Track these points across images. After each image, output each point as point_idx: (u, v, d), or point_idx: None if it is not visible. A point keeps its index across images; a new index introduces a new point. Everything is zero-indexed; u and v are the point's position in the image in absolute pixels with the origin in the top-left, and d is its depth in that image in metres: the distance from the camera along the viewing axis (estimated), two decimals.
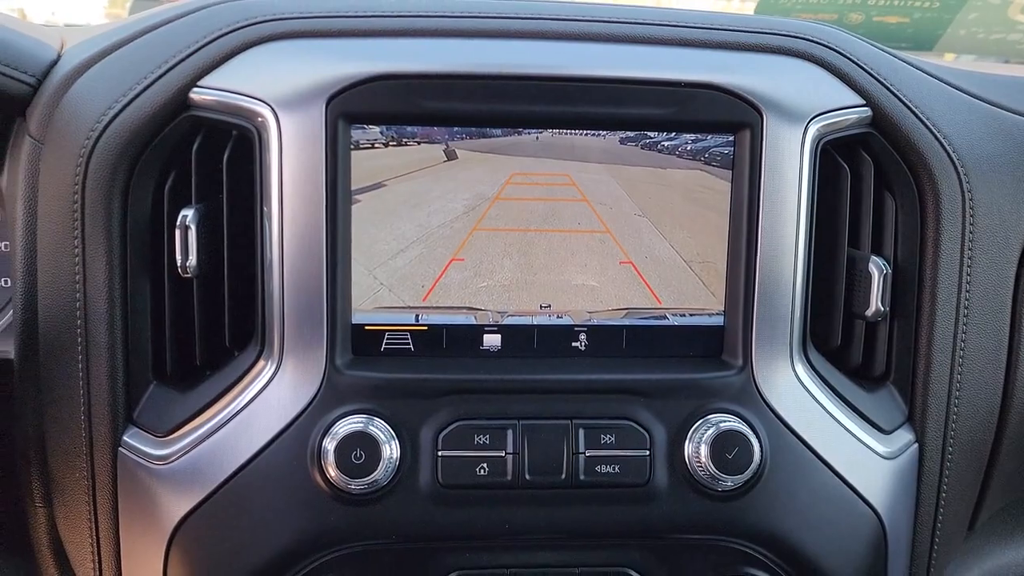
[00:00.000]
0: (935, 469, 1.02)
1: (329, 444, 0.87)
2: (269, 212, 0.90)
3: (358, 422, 0.88)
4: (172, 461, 0.91)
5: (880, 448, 0.98)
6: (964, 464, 1.04)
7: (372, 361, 0.92)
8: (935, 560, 1.06)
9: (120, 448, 0.93)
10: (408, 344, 0.94)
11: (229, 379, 0.92)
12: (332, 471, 0.87)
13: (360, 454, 0.86)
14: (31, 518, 1.02)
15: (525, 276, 0.94)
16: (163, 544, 0.92)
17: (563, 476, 0.90)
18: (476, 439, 0.90)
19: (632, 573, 0.93)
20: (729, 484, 0.91)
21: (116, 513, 0.95)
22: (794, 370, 0.95)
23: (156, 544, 0.92)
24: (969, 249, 0.99)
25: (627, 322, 0.95)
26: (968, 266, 0.99)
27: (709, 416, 0.91)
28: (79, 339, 0.92)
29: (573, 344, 0.95)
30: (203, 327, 0.94)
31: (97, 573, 0.98)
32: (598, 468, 0.91)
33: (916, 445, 1.00)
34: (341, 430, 0.87)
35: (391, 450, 0.88)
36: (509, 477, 0.90)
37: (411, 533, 0.90)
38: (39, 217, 0.93)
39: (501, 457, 0.90)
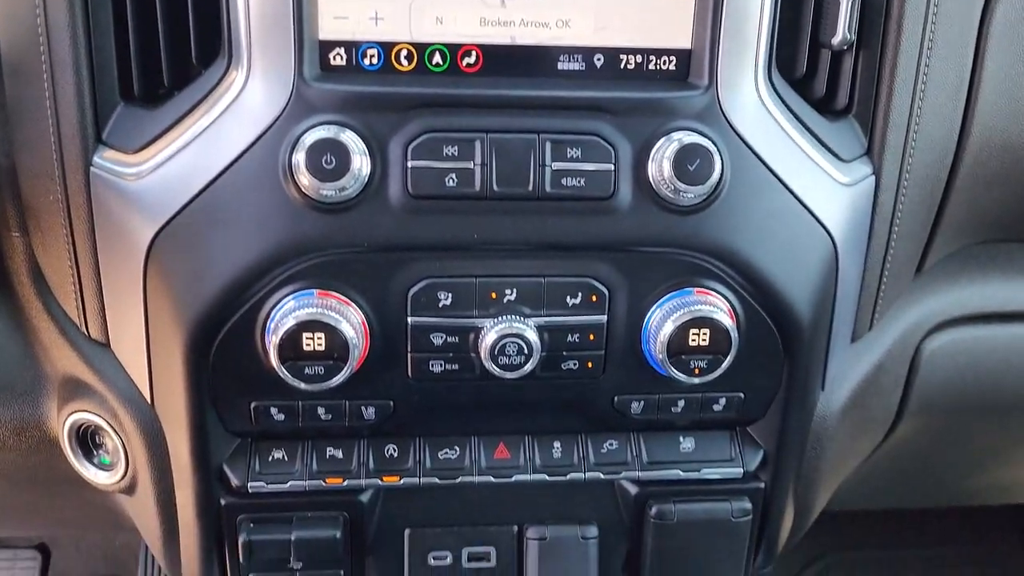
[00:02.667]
0: (889, 201, 1.05)
1: (300, 154, 0.88)
2: None
3: (328, 131, 0.89)
4: (145, 176, 0.92)
5: (838, 175, 1.01)
6: (917, 200, 1.08)
7: (340, 75, 0.92)
8: (883, 293, 1.11)
9: (92, 168, 0.94)
10: (377, 61, 0.93)
11: (199, 94, 0.92)
12: (304, 179, 0.89)
13: (331, 159, 0.88)
14: (8, 248, 1.04)
15: None
16: (141, 259, 0.94)
17: (530, 188, 0.93)
18: (445, 151, 0.91)
19: (595, 283, 0.97)
20: (690, 196, 0.93)
21: (93, 234, 0.96)
22: (758, 92, 0.96)
23: (134, 260, 0.95)
24: None
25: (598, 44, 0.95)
26: None
27: (673, 133, 0.93)
28: (43, 58, 0.91)
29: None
30: (168, 44, 0.93)
31: (78, 295, 1.01)
32: (564, 181, 0.93)
33: (873, 177, 1.04)
34: (311, 138, 0.88)
35: (361, 161, 0.89)
36: (477, 188, 0.92)
37: (382, 242, 0.93)
38: None
39: (469, 168, 0.92)
